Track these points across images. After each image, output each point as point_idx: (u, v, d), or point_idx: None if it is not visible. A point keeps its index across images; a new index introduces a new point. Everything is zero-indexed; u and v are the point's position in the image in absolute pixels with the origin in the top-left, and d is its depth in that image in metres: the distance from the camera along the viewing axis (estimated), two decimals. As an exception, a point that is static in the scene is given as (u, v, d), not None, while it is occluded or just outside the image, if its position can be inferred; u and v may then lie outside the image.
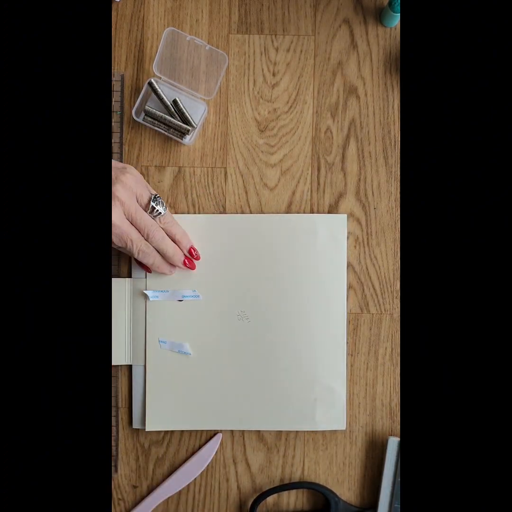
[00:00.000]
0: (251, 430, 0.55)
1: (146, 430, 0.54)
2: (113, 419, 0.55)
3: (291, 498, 0.55)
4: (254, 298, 0.54)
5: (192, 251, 0.53)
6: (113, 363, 0.55)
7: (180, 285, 0.54)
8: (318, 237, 0.54)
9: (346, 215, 0.54)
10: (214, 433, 0.55)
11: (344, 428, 0.54)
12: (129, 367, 0.55)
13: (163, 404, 0.54)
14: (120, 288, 0.55)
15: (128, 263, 0.55)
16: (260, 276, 0.54)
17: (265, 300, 0.54)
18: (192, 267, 0.54)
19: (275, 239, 0.54)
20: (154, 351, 0.54)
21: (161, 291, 0.54)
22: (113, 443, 0.55)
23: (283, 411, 0.54)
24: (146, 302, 0.54)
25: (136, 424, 0.55)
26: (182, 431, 0.55)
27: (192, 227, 0.54)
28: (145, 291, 0.54)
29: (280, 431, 0.55)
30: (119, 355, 0.55)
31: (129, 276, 0.55)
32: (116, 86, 0.55)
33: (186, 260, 0.53)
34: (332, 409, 0.54)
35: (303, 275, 0.54)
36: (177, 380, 0.54)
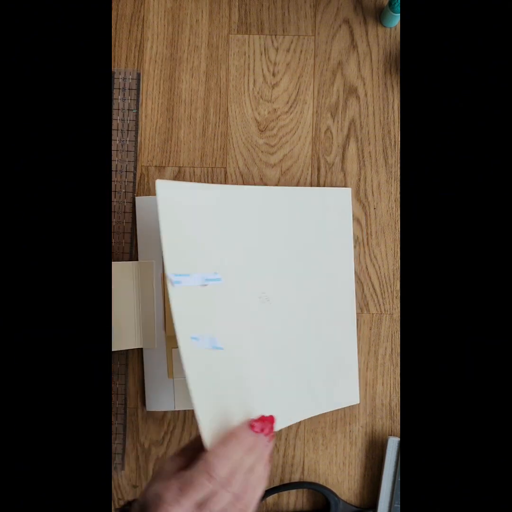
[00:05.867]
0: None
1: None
2: (122, 411, 0.55)
3: (291, 498, 0.55)
4: (272, 277, 0.50)
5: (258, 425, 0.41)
6: (124, 347, 0.54)
7: (200, 267, 0.45)
8: (327, 210, 0.53)
9: (350, 189, 0.55)
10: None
11: (358, 402, 0.54)
12: (131, 362, 0.55)
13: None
14: (126, 271, 0.54)
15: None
16: (274, 252, 0.51)
17: (282, 278, 0.51)
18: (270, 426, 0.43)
19: (283, 212, 0.52)
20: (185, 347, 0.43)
21: (182, 275, 0.44)
22: (120, 441, 0.55)
23: (300, 394, 0.51)
24: (168, 290, 0.43)
25: (150, 407, 0.54)
26: (182, 431, 0.55)
27: (200, 200, 0.46)
28: (169, 274, 0.42)
29: (280, 431, 0.55)
30: (129, 339, 0.54)
31: (135, 258, 0.55)
32: (132, 84, 0.55)
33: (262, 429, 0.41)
34: (346, 380, 0.54)
35: (314, 249, 0.53)
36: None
